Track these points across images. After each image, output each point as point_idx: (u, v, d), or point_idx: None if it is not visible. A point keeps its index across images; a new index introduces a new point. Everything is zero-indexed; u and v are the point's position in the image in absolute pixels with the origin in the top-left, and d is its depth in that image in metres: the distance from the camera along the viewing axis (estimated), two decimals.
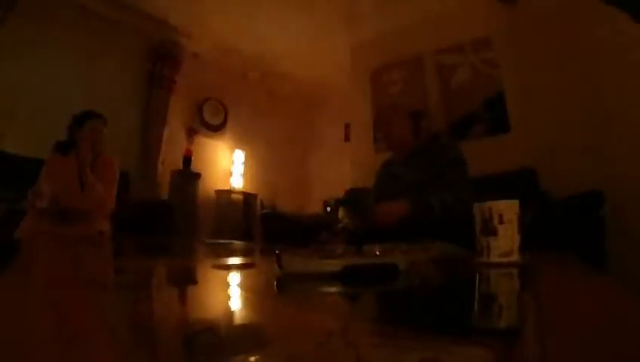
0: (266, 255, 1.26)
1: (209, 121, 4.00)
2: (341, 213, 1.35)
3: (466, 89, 2.97)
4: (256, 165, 4.36)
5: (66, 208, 1.73)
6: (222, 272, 0.77)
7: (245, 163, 4.21)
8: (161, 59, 3.51)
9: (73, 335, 0.26)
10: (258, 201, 4.22)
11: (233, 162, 4.15)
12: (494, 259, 0.72)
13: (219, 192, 3.96)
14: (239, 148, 4.19)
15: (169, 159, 3.52)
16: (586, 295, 0.46)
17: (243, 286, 0.60)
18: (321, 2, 3.20)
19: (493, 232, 0.72)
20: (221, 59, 3.97)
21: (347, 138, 4.22)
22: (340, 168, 4.16)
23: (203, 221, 3.73)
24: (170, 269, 0.89)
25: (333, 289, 0.54)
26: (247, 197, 4.07)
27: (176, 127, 3.68)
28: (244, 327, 0.33)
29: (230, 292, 0.54)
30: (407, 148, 1.59)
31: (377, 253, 0.77)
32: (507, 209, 0.73)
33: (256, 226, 3.89)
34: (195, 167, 3.70)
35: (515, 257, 0.72)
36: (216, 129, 4.07)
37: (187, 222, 3.42)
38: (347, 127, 4.22)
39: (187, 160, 3.65)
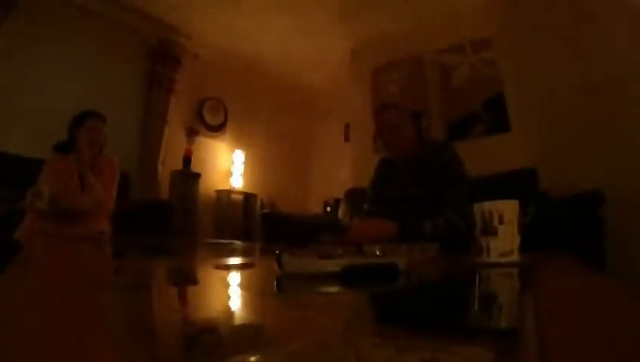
0: (266, 255, 1.26)
1: (209, 121, 4.00)
2: (341, 212, 1.34)
3: (466, 89, 2.97)
4: (256, 165, 4.37)
5: (66, 208, 1.73)
6: (222, 272, 0.77)
7: (245, 163, 4.21)
8: (161, 59, 3.51)
9: (73, 335, 0.26)
10: (258, 201, 4.22)
11: (233, 162, 4.15)
12: (494, 259, 0.72)
13: (219, 192, 3.97)
14: (239, 148, 4.19)
15: (169, 159, 3.53)
16: (585, 295, 0.46)
17: (243, 286, 0.60)
18: (322, 2, 3.20)
19: (493, 232, 0.72)
20: (221, 59, 3.97)
21: (347, 138, 4.22)
22: (340, 168, 4.16)
23: (203, 221, 3.73)
24: (170, 269, 0.89)
25: (333, 289, 0.54)
26: (247, 197, 4.08)
27: (176, 127, 3.68)
28: (244, 327, 0.33)
29: (230, 293, 0.54)
30: (411, 153, 1.50)
31: (377, 253, 0.77)
32: (507, 209, 0.73)
33: (256, 226, 3.89)
34: (195, 167, 3.71)
35: (514, 257, 0.72)
36: (216, 129, 4.07)
37: (187, 222, 3.42)
38: (347, 127, 4.22)
39: (187, 160, 3.65)
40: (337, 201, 3.31)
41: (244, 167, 4.20)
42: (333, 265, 0.57)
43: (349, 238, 1.26)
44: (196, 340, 0.28)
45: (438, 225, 1.28)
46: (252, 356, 0.22)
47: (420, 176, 1.44)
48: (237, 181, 4.12)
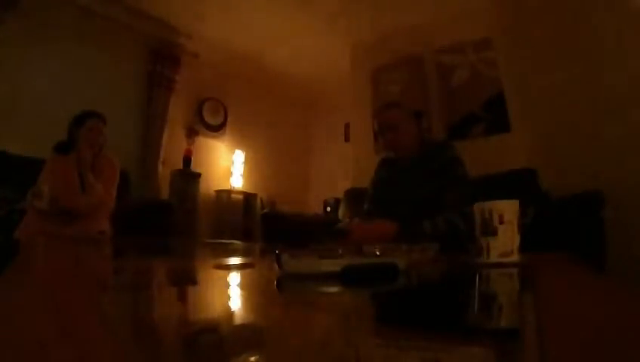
0: (266, 255, 1.26)
1: (209, 121, 4.00)
2: (341, 212, 1.33)
3: (466, 89, 2.97)
4: (256, 165, 4.37)
5: (66, 208, 1.73)
6: (222, 272, 0.77)
7: (245, 163, 4.21)
8: (161, 60, 3.51)
9: (73, 335, 0.26)
10: (258, 201, 4.22)
11: (233, 162, 4.15)
12: (494, 259, 0.72)
13: (219, 192, 3.97)
14: (239, 148, 4.19)
15: (169, 159, 3.53)
16: (585, 295, 0.46)
17: (243, 286, 0.60)
18: (321, 2, 3.20)
19: (493, 232, 0.72)
20: (221, 59, 3.97)
21: (347, 138, 4.22)
22: (340, 168, 4.16)
23: (203, 221, 3.73)
24: (170, 269, 0.89)
25: (333, 289, 0.54)
26: (247, 197, 4.08)
27: (176, 127, 3.68)
28: (244, 327, 0.33)
29: (230, 292, 0.54)
30: (412, 152, 1.49)
31: (377, 253, 0.77)
32: (507, 209, 0.73)
33: (256, 226, 3.89)
34: (195, 167, 3.71)
35: (514, 257, 0.72)
36: (216, 129, 4.07)
37: (187, 222, 3.42)
38: (347, 127, 4.22)
39: (187, 160, 3.65)
40: (337, 201, 3.31)
41: (244, 167, 4.20)
42: (333, 265, 0.57)
43: (350, 240, 1.26)
44: (196, 340, 0.28)
45: (437, 224, 1.28)
46: (252, 356, 0.22)
47: (421, 176, 1.44)
48: (237, 181, 4.12)
